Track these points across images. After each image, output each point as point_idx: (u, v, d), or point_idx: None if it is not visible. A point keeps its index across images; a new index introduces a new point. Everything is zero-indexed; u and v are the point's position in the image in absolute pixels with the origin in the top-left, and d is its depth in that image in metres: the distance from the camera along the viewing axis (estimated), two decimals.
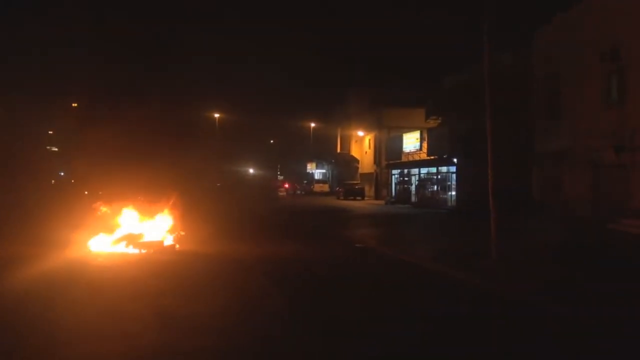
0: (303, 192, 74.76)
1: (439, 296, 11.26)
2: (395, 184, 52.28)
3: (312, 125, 79.48)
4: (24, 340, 7.69)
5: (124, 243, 16.74)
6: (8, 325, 8.36)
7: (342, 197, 55.35)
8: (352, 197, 54.27)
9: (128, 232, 17.23)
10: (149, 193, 18.36)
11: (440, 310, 9.87)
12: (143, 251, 16.35)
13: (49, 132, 48.66)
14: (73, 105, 27.37)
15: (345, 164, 70.43)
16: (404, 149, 49.86)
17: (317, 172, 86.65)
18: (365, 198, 55.12)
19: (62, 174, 48.12)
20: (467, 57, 33.18)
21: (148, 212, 18.13)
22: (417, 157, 47.13)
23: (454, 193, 40.30)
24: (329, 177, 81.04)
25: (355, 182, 61.03)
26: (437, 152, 41.72)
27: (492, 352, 7.68)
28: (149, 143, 19.08)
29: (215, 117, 51.45)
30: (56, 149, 47.97)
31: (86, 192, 22.03)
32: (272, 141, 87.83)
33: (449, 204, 40.25)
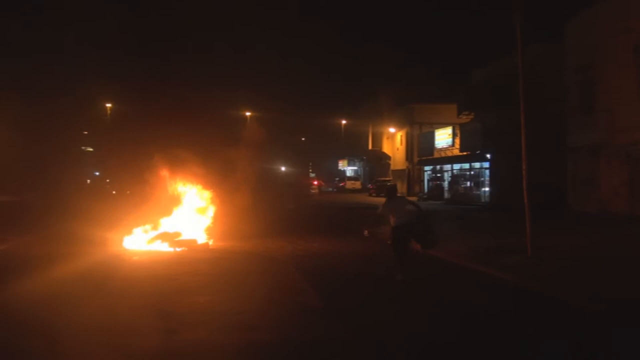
0: (335, 190, 74.74)
1: (473, 293, 11.16)
2: (428, 180, 51.99)
3: (343, 122, 79.39)
4: (63, 335, 7.82)
5: (159, 241, 16.94)
6: (48, 321, 8.51)
7: (374, 194, 55.20)
8: (384, 194, 54.02)
9: (163, 230, 17.44)
10: (182, 191, 18.56)
11: (473, 306, 9.80)
12: (178, 249, 16.52)
13: (84, 132, 49.46)
14: (107, 105, 27.79)
15: (376, 161, 70.23)
16: (436, 145, 49.57)
17: (349, 169, 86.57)
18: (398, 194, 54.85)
19: (97, 173, 48.90)
20: (498, 50, 32.82)
21: (182, 210, 18.33)
22: (449, 153, 46.83)
23: (487, 189, 39.94)
24: (360, 174, 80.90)
25: (387, 178, 60.81)
26: (470, 147, 41.39)
27: (528, 350, 7.60)
28: (181, 142, 19.25)
29: (247, 116, 51.65)
30: (91, 149, 48.76)
31: (114, 192, 22.39)
32: (303, 139, 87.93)
33: (483, 200, 39.89)
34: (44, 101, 49.16)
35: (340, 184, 75.27)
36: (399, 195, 13.96)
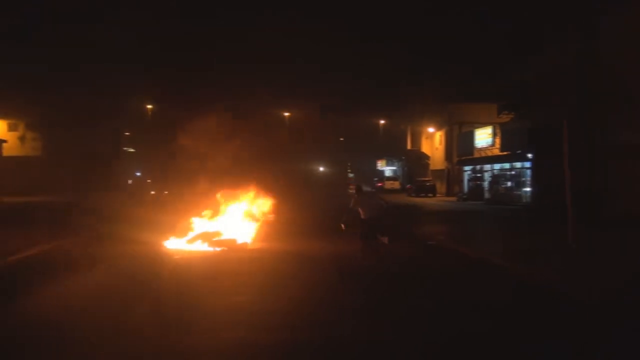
0: (373, 190, 74.51)
1: (511, 293, 11.02)
2: (468, 180, 51.46)
3: (382, 122, 79.10)
4: (106, 333, 7.97)
5: (199, 241, 17.11)
6: (92, 319, 8.68)
7: (413, 194, 54.88)
8: (423, 194, 53.72)
9: (203, 230, 17.61)
10: (222, 192, 18.71)
11: (512, 307, 9.69)
12: (217, 249, 16.66)
13: (126, 133, 50.34)
14: (148, 107, 28.19)
15: (415, 161, 69.81)
16: (476, 145, 49.04)
17: (388, 169, 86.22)
18: (437, 195, 54.48)
19: (138, 174, 49.71)
20: (540, 48, 32.27)
21: (221, 210, 18.49)
22: (489, 153, 46.29)
23: (528, 189, 39.36)
24: (399, 174, 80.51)
25: (426, 178, 60.37)
26: (511, 147, 40.83)
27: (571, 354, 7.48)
28: (221, 143, 19.39)
29: (286, 116, 52.02)
30: (132, 150, 49.60)
31: (152, 192, 22.70)
32: (341, 139, 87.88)
33: (524, 200, 39.32)
34: (88, 102, 50.30)
35: (378, 184, 75.01)
36: (369, 191, 14.74)
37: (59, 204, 32.39)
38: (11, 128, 54.24)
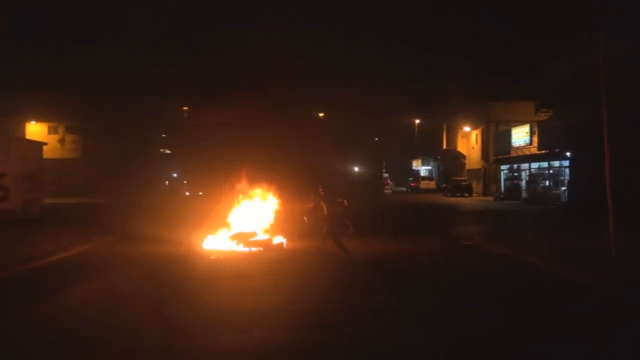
0: (409, 189, 74.14)
1: (552, 296, 10.82)
2: (504, 179, 50.91)
3: (417, 121, 78.65)
4: (142, 331, 8.04)
5: (234, 241, 17.19)
6: (129, 318, 8.76)
7: (449, 194, 54.47)
8: (459, 194, 53.27)
9: (239, 230, 17.69)
10: (258, 192, 18.75)
11: (551, 308, 9.51)
12: (253, 249, 16.73)
13: (162, 135, 50.98)
14: (184, 108, 28.43)
15: (451, 160, 69.27)
16: (513, 144, 48.50)
17: (423, 169, 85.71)
18: (473, 194, 53.97)
19: (174, 175, 50.25)
20: (579, 43, 31.67)
21: (257, 211, 18.53)
22: (527, 152, 45.76)
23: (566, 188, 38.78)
24: (435, 174, 79.97)
25: (463, 178, 59.85)
26: (549, 146, 40.28)
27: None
28: (256, 143, 19.45)
29: (320, 116, 52.06)
30: (169, 152, 50.19)
31: (187, 194, 22.87)
32: (376, 139, 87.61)
33: (562, 199, 38.70)
34: (125, 105, 51.06)
35: (413, 184, 74.63)
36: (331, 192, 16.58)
37: (97, 205, 32.95)
38: (51, 131, 55.57)
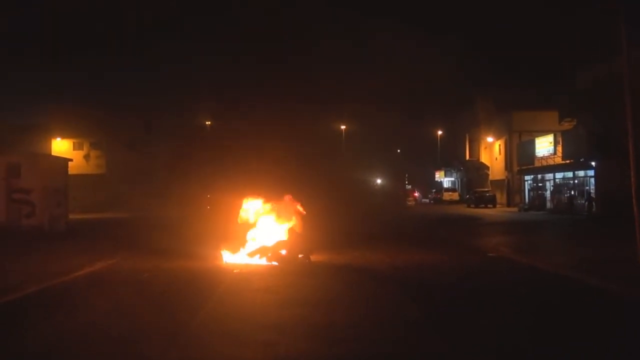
0: (431, 201, 73.77)
1: (580, 306, 10.66)
2: (529, 190, 50.47)
3: (439, 132, 78.36)
4: (168, 346, 8.03)
5: (257, 255, 17.20)
6: (154, 332, 8.79)
7: (472, 205, 54.08)
8: (483, 205, 52.87)
9: (261, 244, 17.70)
10: (280, 205, 18.75)
11: (577, 319, 9.38)
12: (275, 263, 16.71)
13: (185, 149, 51.30)
14: (207, 123, 28.62)
15: (474, 171, 68.84)
16: (536, 154, 48.12)
17: (446, 180, 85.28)
18: (497, 205, 53.54)
19: (208, 195, 50.35)
20: (603, 51, 31.38)
21: (279, 224, 18.53)
22: (551, 162, 45.36)
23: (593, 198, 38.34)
24: (458, 185, 79.51)
25: (486, 189, 59.42)
26: (573, 155, 39.89)
27: None
28: (278, 156, 19.49)
29: (342, 129, 52.17)
30: (195, 167, 50.44)
31: (208, 207, 22.89)
32: (398, 150, 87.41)
33: (588, 209, 38.24)
34: (148, 121, 51.72)
35: (435, 196, 74.23)
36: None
37: (122, 220, 33.22)
38: (76, 147, 56.40)
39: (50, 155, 42.22)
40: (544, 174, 46.96)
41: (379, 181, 73.45)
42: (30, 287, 12.66)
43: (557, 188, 44.68)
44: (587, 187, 39.71)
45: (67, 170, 29.38)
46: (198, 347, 7.98)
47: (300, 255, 17.26)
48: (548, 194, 46.26)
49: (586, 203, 38.89)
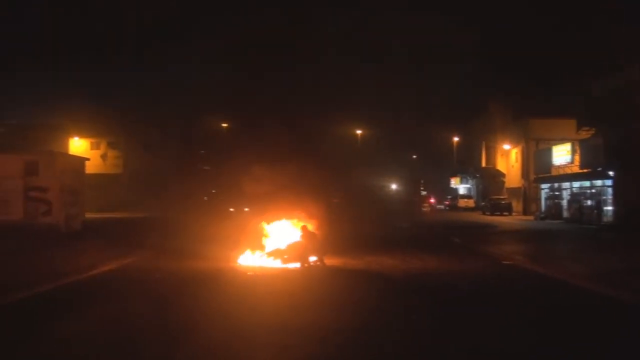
0: (447, 208, 73.46)
1: (596, 318, 10.53)
2: (545, 198, 50.07)
3: (455, 139, 78.06)
4: (180, 346, 8.07)
5: (272, 258, 17.21)
6: (165, 332, 8.81)
7: (487, 213, 53.74)
8: (498, 213, 52.52)
9: (276, 247, 17.70)
10: (293, 209, 18.75)
11: (601, 333, 9.26)
12: (290, 266, 16.70)
13: (201, 151, 51.53)
14: (223, 125, 28.72)
15: (490, 179, 68.45)
16: (553, 162, 47.77)
17: (462, 187, 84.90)
18: (513, 213, 53.19)
19: (214, 191, 50.53)
20: (622, 59, 31.16)
21: (294, 227, 18.53)
22: (568, 170, 45.00)
23: (610, 208, 37.93)
24: (473, 192, 79.12)
25: (502, 197, 59.02)
26: (591, 164, 39.55)
27: None
28: (293, 161, 19.50)
29: (358, 134, 52.15)
30: (208, 168, 50.63)
31: (231, 209, 22.98)
32: (414, 156, 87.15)
33: (605, 219, 37.87)
34: (165, 121, 51.91)
35: (451, 202, 73.89)
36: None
37: (137, 220, 33.42)
38: (93, 147, 56.81)
39: (67, 154, 42.49)
40: (561, 182, 46.59)
41: (394, 187, 73.41)
42: (44, 285, 12.77)
43: (574, 197, 44.30)
44: (604, 197, 39.32)
45: (84, 170, 29.58)
46: (210, 349, 7.97)
47: (314, 259, 17.24)
48: (565, 202, 45.87)
49: (595, 212, 38.62)
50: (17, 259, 16.67)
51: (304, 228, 17.43)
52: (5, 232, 22.64)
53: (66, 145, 54.29)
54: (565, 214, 44.34)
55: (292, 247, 17.53)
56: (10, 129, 50.39)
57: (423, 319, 10.08)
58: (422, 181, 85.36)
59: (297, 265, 16.71)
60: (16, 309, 10.82)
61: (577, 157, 43.31)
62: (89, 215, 30.88)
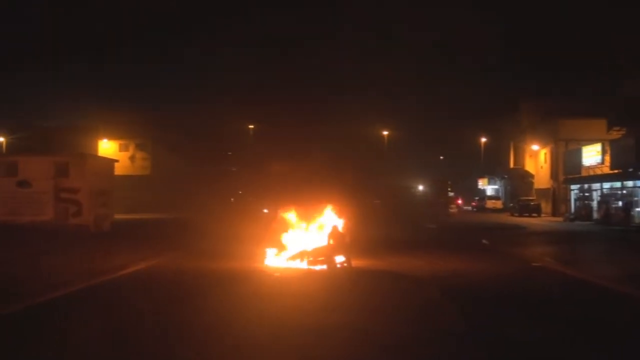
0: (474, 209, 72.88)
1: (626, 319, 10.36)
2: (575, 200, 49.42)
3: (483, 140, 77.42)
4: (208, 347, 8.10)
5: (298, 259, 17.16)
6: (194, 333, 8.84)
7: (516, 214, 53.18)
8: (527, 214, 51.93)
9: (302, 248, 17.65)
10: (321, 210, 18.71)
11: (632, 335, 9.10)
12: (316, 267, 16.65)
13: (228, 153, 51.95)
14: (250, 127, 28.88)
15: (519, 180, 67.75)
16: (583, 163, 47.16)
17: (489, 188, 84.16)
18: (542, 215, 52.57)
19: (240, 192, 50.92)
20: None
21: (321, 228, 18.49)
22: (598, 171, 44.38)
23: None
24: (501, 193, 78.38)
25: (531, 198, 58.38)
26: (622, 165, 38.95)
27: None
28: (319, 161, 19.49)
29: (384, 134, 51.99)
30: (235, 169, 51.03)
31: (265, 210, 23.06)
32: (441, 157, 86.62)
33: (637, 221, 37.25)
34: (193, 123, 52.45)
35: (478, 203, 73.28)
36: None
37: (165, 221, 33.70)
38: (122, 148, 57.54)
39: (97, 155, 43.10)
40: (591, 183, 45.97)
41: (420, 188, 73.03)
42: (76, 285, 12.89)
43: (605, 198, 43.66)
44: (635, 198, 38.70)
45: (113, 171, 29.96)
46: (237, 350, 7.99)
47: (340, 261, 17.17)
48: (595, 204, 45.24)
49: (624, 213, 38.00)
50: (49, 259, 16.91)
51: (334, 229, 17.37)
52: (37, 233, 23.06)
53: (95, 147, 55.05)
54: (596, 215, 43.75)
55: (319, 248, 17.50)
56: (40, 132, 51.31)
57: (452, 323, 9.95)
58: (449, 182, 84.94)
59: (324, 267, 16.66)
60: (53, 306, 10.92)
61: (607, 158, 42.71)
62: (117, 217, 31.21)
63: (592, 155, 46.03)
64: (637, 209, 38.06)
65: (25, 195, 25.54)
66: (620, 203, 40.56)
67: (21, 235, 22.74)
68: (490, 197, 75.28)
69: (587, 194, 47.01)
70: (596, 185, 45.04)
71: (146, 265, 16.59)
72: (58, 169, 25.83)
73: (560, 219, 47.88)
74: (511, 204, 60.63)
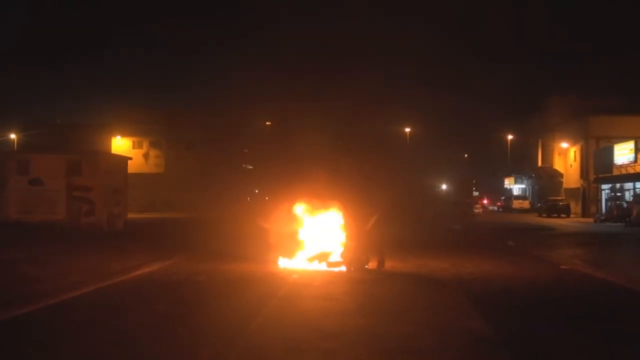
0: (500, 209, 71.80)
1: None
2: (606, 200, 48.17)
3: (510, 137, 76.11)
4: (224, 350, 7.85)
5: (316, 261, 16.56)
6: (209, 335, 8.60)
7: (544, 214, 52.04)
8: (555, 215, 50.76)
9: (320, 250, 17.02)
10: (340, 210, 18.06)
11: None
12: (335, 269, 16.01)
13: (245, 150, 51.48)
14: (267, 123, 28.34)
15: (547, 179, 66.44)
16: (615, 161, 46.01)
17: (516, 188, 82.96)
18: (571, 215, 51.33)
19: (257, 191, 50.42)
20: None
21: (339, 229, 17.80)
22: (631, 170, 43.18)
23: None
24: (528, 193, 77.08)
25: (559, 198, 57.10)
26: None
27: None
28: (339, 160, 18.87)
29: (406, 132, 51.11)
30: (251, 167, 50.61)
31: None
32: (465, 155, 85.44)
33: None
34: (207, 121, 52.08)
35: (504, 203, 72.22)
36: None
37: (179, 220, 33.36)
38: (135, 146, 57.42)
39: (110, 153, 42.85)
40: (623, 182, 44.74)
41: (445, 187, 72.02)
42: (87, 287, 12.61)
43: (638, 198, 42.38)
44: None
45: (126, 169, 29.47)
46: (254, 353, 7.78)
47: (360, 262, 16.48)
48: (627, 204, 43.99)
49: None
50: (62, 259, 16.89)
51: (350, 235, 16.72)
52: (49, 232, 22.81)
53: (109, 145, 55.01)
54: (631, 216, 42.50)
55: (338, 249, 16.83)
56: (53, 129, 51.47)
57: (478, 327, 9.28)
58: (474, 181, 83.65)
59: (343, 268, 15.99)
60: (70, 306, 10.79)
61: None
62: (131, 216, 30.88)
63: (624, 153, 44.95)
64: None
65: (37, 193, 25.17)
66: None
67: (33, 234, 22.85)
68: (517, 197, 74.29)
69: (618, 194, 45.86)
70: (629, 185, 43.83)
71: (160, 266, 16.32)
72: (70, 167, 25.41)
73: (590, 220, 46.71)
74: (539, 204, 59.46)
